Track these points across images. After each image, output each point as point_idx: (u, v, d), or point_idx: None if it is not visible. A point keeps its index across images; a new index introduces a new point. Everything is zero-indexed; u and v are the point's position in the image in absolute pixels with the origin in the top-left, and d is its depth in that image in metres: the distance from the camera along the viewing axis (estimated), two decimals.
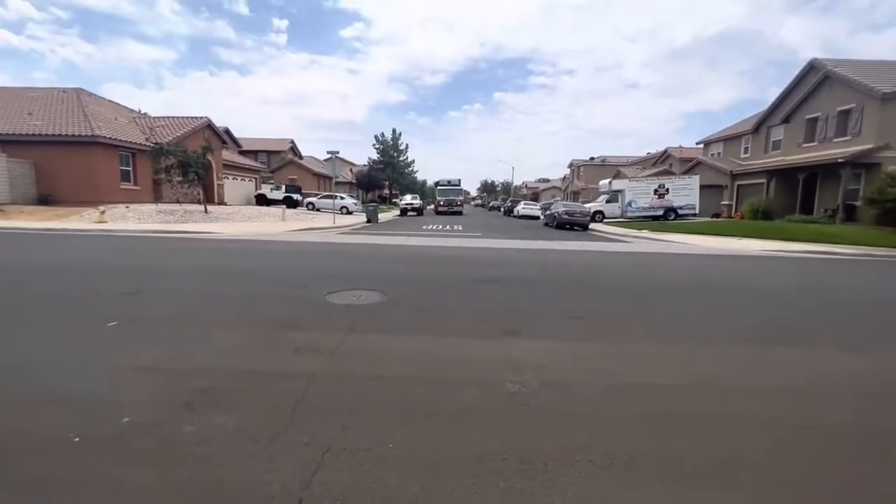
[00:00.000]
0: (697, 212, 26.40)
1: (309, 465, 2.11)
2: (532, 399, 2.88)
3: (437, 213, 36.19)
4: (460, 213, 35.69)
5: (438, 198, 37.49)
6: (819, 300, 6.54)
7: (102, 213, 15.99)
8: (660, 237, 16.95)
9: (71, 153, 19.06)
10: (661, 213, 26.26)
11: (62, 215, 16.58)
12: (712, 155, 33.41)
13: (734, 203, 28.03)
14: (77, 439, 2.26)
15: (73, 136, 18.97)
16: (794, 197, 22.78)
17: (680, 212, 26.25)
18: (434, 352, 3.72)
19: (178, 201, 22.01)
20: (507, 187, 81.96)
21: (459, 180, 38.01)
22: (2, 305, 4.89)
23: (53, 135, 19.01)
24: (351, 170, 58.44)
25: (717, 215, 28.14)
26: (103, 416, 2.50)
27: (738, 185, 28.02)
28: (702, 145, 35.52)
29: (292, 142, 50.06)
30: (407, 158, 60.58)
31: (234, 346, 3.71)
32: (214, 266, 8.02)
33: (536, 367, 3.39)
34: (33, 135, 19.01)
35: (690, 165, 32.50)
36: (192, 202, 22.12)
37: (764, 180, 25.24)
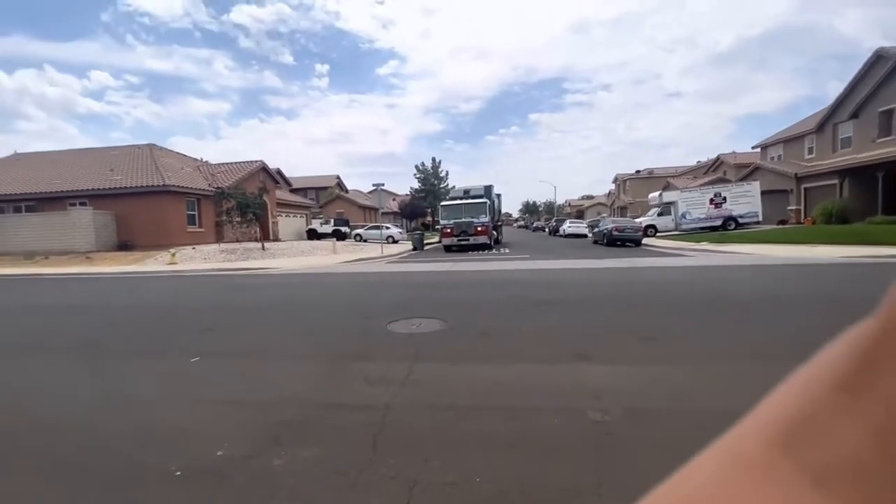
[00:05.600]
0: (761, 219, 24.71)
1: (398, 499, 2.08)
2: (618, 428, 2.72)
3: (447, 248, 20.87)
4: (487, 246, 20.56)
5: (443, 221, 21.93)
6: None
7: (173, 255, 17.32)
8: (723, 249, 15.94)
9: (145, 202, 21.01)
10: (719, 223, 24.83)
11: (139, 259, 18.12)
12: (771, 158, 31.46)
13: (803, 208, 26.00)
14: (178, 473, 2.37)
15: (148, 186, 20.96)
16: (875, 197, 20.78)
17: (740, 220, 24.67)
18: (504, 379, 3.63)
19: (237, 240, 23.48)
20: (549, 207, 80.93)
21: (489, 187, 23.93)
22: (100, 344, 5.34)
23: (131, 187, 21.11)
24: (394, 199, 60.13)
25: (783, 222, 26.18)
26: (199, 450, 2.62)
27: (805, 189, 26.02)
28: (758, 149, 33.61)
29: (338, 177, 52.48)
30: (448, 185, 61.51)
31: (310, 377, 3.81)
32: (279, 300, 8.39)
33: (616, 394, 3.21)
34: (114, 188, 21.19)
35: (748, 171, 30.65)
36: (250, 240, 23.50)
37: (836, 181, 23.30)
